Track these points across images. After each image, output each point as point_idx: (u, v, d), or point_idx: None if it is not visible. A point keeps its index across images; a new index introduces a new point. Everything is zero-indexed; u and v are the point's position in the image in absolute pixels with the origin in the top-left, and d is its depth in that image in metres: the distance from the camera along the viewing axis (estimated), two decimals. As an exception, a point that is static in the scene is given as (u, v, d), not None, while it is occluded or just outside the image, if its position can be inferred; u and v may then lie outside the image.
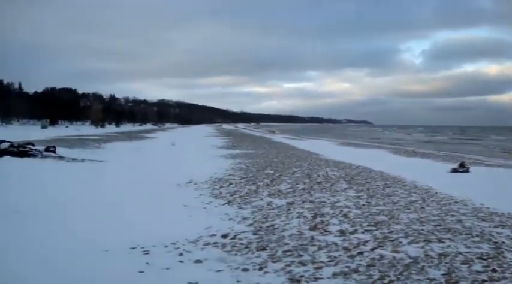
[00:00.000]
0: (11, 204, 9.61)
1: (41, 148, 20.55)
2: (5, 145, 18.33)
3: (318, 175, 14.15)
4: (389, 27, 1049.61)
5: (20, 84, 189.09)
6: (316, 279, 5.20)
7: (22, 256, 6.08)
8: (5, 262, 5.83)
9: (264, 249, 6.41)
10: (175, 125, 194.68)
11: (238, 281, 5.19)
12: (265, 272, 5.47)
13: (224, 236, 7.16)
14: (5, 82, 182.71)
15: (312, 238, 6.97)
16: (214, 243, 6.78)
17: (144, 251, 6.38)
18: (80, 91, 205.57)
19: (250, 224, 7.93)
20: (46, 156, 19.15)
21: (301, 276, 5.30)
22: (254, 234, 7.24)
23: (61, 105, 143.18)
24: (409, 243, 6.63)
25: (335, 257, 6.02)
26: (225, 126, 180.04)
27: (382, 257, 5.99)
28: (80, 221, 8.21)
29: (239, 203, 9.94)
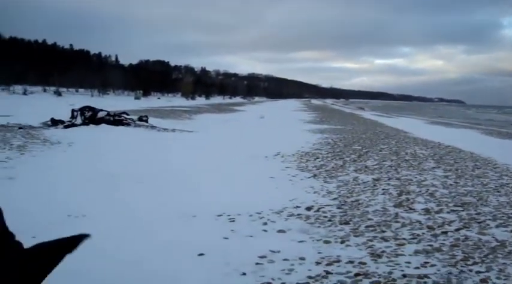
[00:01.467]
0: (107, 168, 10.20)
1: (135, 117, 21.43)
2: (102, 114, 19.25)
3: (406, 153, 13.90)
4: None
5: (116, 57, 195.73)
6: (397, 255, 5.19)
7: (119, 218, 6.47)
8: (106, 223, 6.23)
9: (347, 223, 6.46)
10: (264, 99, 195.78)
11: (319, 253, 5.26)
12: (347, 246, 5.52)
13: (308, 208, 7.26)
14: (103, 54, 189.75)
15: (396, 214, 6.93)
16: (298, 215, 6.89)
17: (230, 219, 6.60)
18: (172, 64, 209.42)
19: (335, 199, 7.97)
20: (139, 125, 19.96)
21: (383, 251, 5.31)
22: (338, 208, 7.28)
23: (154, 77, 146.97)
24: (496, 226, 6.44)
25: (418, 235, 5.97)
26: (314, 101, 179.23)
27: (467, 238, 5.87)
28: (170, 188, 8.60)
29: (325, 177, 9.99)
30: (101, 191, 8.21)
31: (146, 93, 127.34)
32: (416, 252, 5.28)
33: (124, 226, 6.12)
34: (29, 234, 2.36)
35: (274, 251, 5.23)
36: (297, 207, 7.36)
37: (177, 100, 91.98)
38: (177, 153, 13.34)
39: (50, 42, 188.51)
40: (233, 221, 6.51)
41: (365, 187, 8.90)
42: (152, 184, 8.89)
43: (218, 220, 6.56)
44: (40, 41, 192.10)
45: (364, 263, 4.92)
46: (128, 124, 19.39)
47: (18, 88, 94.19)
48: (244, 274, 4.64)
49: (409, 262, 4.94)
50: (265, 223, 6.42)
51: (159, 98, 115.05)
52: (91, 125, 18.11)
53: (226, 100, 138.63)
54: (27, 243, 2.24)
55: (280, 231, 6.08)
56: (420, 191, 8.58)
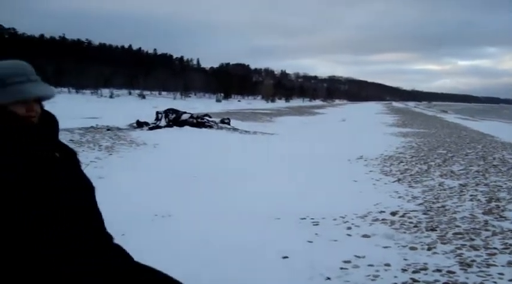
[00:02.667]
0: (190, 169, 10.42)
1: (217, 120, 21.75)
2: (185, 116, 19.67)
3: (494, 158, 13.35)
4: None
5: (198, 60, 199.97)
6: (488, 265, 4.98)
7: (203, 219, 6.59)
8: (191, 223, 6.37)
9: (433, 229, 6.27)
10: (344, 101, 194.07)
11: (405, 259, 5.14)
12: (434, 253, 5.35)
13: (393, 213, 7.11)
14: (185, 58, 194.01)
15: (486, 222, 6.66)
16: (383, 219, 6.77)
17: (314, 222, 6.58)
18: (252, 67, 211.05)
19: (420, 204, 7.77)
20: (221, 128, 20.26)
21: (473, 261, 5.11)
22: (424, 214, 7.09)
23: (234, 80, 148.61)
24: None
25: (511, 245, 5.72)
26: (395, 104, 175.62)
27: None
28: (254, 190, 8.68)
29: (409, 181, 9.76)
30: (185, 192, 8.41)
31: (227, 96, 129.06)
32: (510, 263, 5.05)
33: (207, 226, 6.22)
34: (118, 232, 2.42)
35: (359, 257, 5.16)
36: (382, 211, 7.23)
37: (257, 103, 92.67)
38: (259, 156, 13.44)
39: (135, 47, 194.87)
40: (317, 224, 6.47)
41: (451, 193, 8.62)
42: (234, 186, 9.00)
43: (302, 223, 6.55)
44: (126, 46, 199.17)
45: (453, 273, 4.76)
46: (211, 127, 19.72)
47: (105, 91, 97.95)
48: (328, 278, 4.60)
49: (502, 274, 4.73)
50: (349, 228, 6.35)
51: (239, 101, 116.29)
52: (175, 127, 18.54)
53: (306, 103, 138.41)
54: (116, 241, 2.30)
55: (364, 236, 5.99)
56: (511, 198, 8.22)
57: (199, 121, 19.68)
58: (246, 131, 20.43)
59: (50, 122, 1.89)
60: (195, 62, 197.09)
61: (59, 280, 1.62)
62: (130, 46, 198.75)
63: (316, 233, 6.04)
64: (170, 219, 6.63)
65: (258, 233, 5.97)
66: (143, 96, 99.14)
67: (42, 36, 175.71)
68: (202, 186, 8.89)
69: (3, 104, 1.72)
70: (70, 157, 1.98)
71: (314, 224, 6.48)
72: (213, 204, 7.51)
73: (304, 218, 6.75)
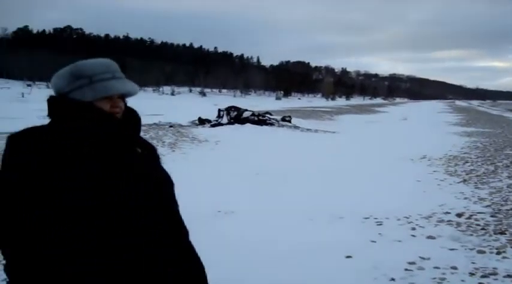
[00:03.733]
0: (252, 166, 10.48)
1: (278, 117, 21.77)
2: (247, 114, 19.78)
3: None
4: None
5: (258, 58, 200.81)
6: None
7: (265, 216, 6.62)
8: (253, 221, 6.42)
9: (502, 233, 6.08)
10: (405, 100, 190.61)
11: (473, 263, 5.01)
12: (504, 258, 5.18)
13: (459, 215, 6.93)
14: (245, 56, 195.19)
15: (559, 226, 6.41)
16: (448, 221, 6.61)
17: (377, 222, 6.50)
18: (312, 65, 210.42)
19: (488, 206, 7.54)
20: (282, 125, 20.27)
21: (546, 267, 4.93)
22: (492, 216, 6.88)
23: (294, 78, 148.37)
24: None
25: None
26: (458, 102, 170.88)
27: None
28: (316, 188, 8.66)
29: (475, 183, 9.49)
30: (248, 189, 8.48)
31: (286, 94, 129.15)
32: None
33: (271, 224, 6.25)
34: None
35: (424, 258, 5.06)
36: (447, 212, 7.06)
37: (317, 101, 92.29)
38: (321, 154, 13.39)
39: (196, 45, 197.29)
40: (380, 224, 6.39)
41: (521, 195, 8.33)
42: (297, 184, 9.00)
43: (365, 223, 6.48)
44: (187, 44, 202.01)
45: (525, 278, 4.61)
46: (272, 124, 19.75)
47: (167, 89, 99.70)
48: (393, 279, 4.54)
49: None
50: (413, 228, 6.24)
51: (299, 98, 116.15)
52: (236, 124, 18.64)
53: (367, 101, 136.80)
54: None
55: (429, 237, 5.87)
56: None
57: (260, 119, 19.75)
58: (307, 129, 20.37)
59: (133, 118, 1.93)
60: (255, 60, 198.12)
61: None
62: (191, 44, 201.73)
63: (380, 233, 5.96)
64: (233, 216, 6.69)
65: (321, 232, 5.95)
66: (204, 94, 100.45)
67: (107, 35, 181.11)
68: (264, 183, 8.93)
69: (90, 100, 1.78)
70: (151, 152, 2.01)
71: (377, 224, 6.40)
72: (275, 202, 7.53)
73: (368, 218, 6.67)
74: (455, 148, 14.96)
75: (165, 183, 1.94)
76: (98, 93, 1.78)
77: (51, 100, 1.83)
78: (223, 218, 6.58)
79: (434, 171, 10.78)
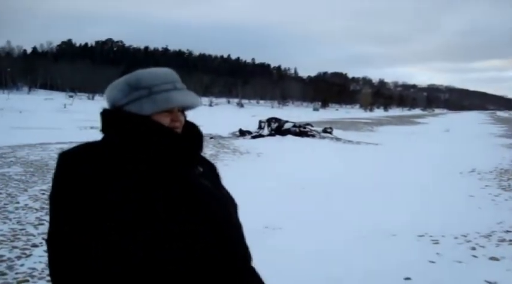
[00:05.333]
0: (296, 180, 10.23)
1: (319, 129, 21.51)
2: (288, 125, 19.59)
3: None
4: None
5: (295, 69, 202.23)
6: None
7: (313, 233, 6.36)
8: (302, 238, 6.17)
9: None
10: (445, 111, 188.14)
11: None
12: None
13: (521, 233, 6.55)
14: (282, 67, 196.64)
15: None
16: (510, 241, 6.23)
17: (433, 240, 6.15)
18: (349, 76, 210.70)
19: (552, 224, 7.12)
20: (323, 137, 20.01)
21: None
22: (556, 235, 6.48)
23: (331, 89, 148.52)
24: None
25: None
26: (500, 113, 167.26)
27: None
28: (365, 203, 8.34)
29: (533, 198, 9.04)
30: (294, 203, 8.22)
31: (324, 105, 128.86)
32: None
33: (322, 242, 5.97)
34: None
35: (490, 282, 4.72)
36: (508, 231, 6.65)
37: (355, 112, 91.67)
38: (365, 166, 13.06)
39: (233, 56, 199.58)
40: (437, 243, 6.05)
41: None
42: (344, 198, 8.71)
43: (420, 241, 6.15)
44: (225, 56, 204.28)
45: None
46: (313, 136, 19.51)
47: (205, 100, 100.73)
48: (459, 305, 4.22)
49: None
50: (473, 248, 5.87)
51: (337, 110, 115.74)
52: (277, 136, 18.49)
53: (405, 112, 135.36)
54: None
55: (492, 258, 5.50)
56: None
57: (302, 130, 19.53)
58: (349, 141, 20.04)
59: (194, 133, 1.73)
60: (292, 71, 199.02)
61: None
62: (229, 56, 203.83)
63: (438, 253, 5.62)
64: (282, 232, 6.45)
65: (375, 251, 5.65)
66: (241, 105, 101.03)
67: (146, 48, 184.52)
68: (310, 198, 8.65)
69: (149, 114, 1.59)
70: (211, 170, 1.83)
71: (434, 243, 6.06)
72: (324, 218, 7.25)
73: (423, 236, 6.33)
74: (505, 161, 14.41)
75: (227, 203, 1.73)
76: (158, 106, 1.59)
77: (105, 114, 1.65)
78: (272, 235, 6.34)
79: (487, 186, 10.32)
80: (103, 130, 1.64)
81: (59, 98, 78.14)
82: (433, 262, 5.33)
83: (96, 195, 1.46)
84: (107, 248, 1.46)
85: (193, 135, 1.72)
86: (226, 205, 1.70)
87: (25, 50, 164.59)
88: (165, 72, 1.69)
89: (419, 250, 5.74)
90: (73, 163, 1.52)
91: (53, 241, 1.50)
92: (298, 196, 8.79)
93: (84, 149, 1.57)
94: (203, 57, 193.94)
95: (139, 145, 1.55)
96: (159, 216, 1.48)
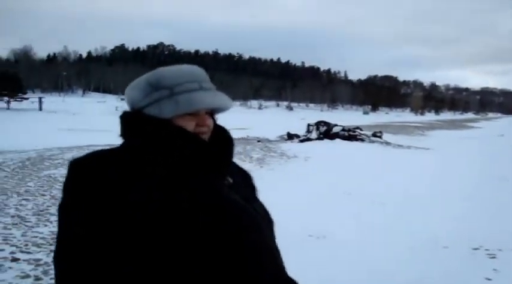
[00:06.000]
0: (343, 185, 9.91)
1: (368, 133, 21.08)
2: (336, 129, 19.28)
3: None
4: None
5: (345, 73, 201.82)
6: None
7: (360, 243, 6.07)
8: (347, 248, 5.89)
9: None
10: (499, 114, 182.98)
11: None
12: None
13: None
14: (332, 70, 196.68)
15: None
16: None
17: (489, 254, 5.75)
18: (400, 79, 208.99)
19: None
20: (373, 141, 19.58)
21: None
22: None
23: (381, 92, 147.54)
24: None
25: None
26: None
27: None
28: (413, 212, 7.96)
29: None
30: (339, 210, 7.92)
31: (374, 108, 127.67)
32: None
33: (369, 254, 5.68)
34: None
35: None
36: None
37: (405, 116, 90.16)
38: (415, 172, 12.59)
39: (283, 60, 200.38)
40: (494, 257, 5.65)
41: None
42: (394, 206, 8.34)
43: (475, 255, 5.76)
44: (275, 59, 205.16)
45: None
46: (362, 140, 19.13)
47: (254, 103, 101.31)
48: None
49: None
50: (535, 264, 5.46)
51: (387, 113, 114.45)
52: (325, 140, 18.24)
53: (457, 116, 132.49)
54: None
55: (558, 277, 5.09)
56: None
57: (351, 134, 19.20)
58: (399, 145, 19.55)
59: (224, 140, 1.51)
60: (342, 74, 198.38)
61: None
62: (278, 59, 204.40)
63: (495, 269, 5.23)
64: (325, 241, 6.17)
65: (426, 265, 5.31)
66: (291, 108, 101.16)
67: (197, 51, 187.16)
68: (358, 205, 8.30)
69: (170, 117, 1.39)
70: (246, 181, 1.60)
71: (490, 257, 5.66)
72: (371, 226, 6.93)
73: (477, 249, 5.94)
74: None
75: (259, 221, 1.48)
76: (180, 108, 1.37)
77: (124, 117, 1.45)
78: (315, 244, 6.07)
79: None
80: (122, 135, 1.45)
81: (111, 101, 79.96)
82: (489, 279, 4.96)
83: (117, 198, 1.29)
84: (127, 254, 1.28)
85: (222, 142, 1.50)
86: (258, 223, 1.46)
87: (80, 55, 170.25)
88: (191, 70, 1.47)
89: (474, 265, 5.36)
90: (88, 170, 1.34)
91: (66, 255, 1.31)
92: (344, 203, 8.48)
93: (99, 156, 1.39)
94: (253, 61, 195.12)
95: (160, 151, 1.36)
96: (183, 219, 1.29)
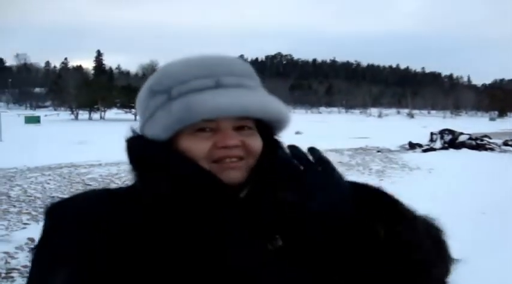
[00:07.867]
0: (477, 202, 8.91)
1: (498, 141, 19.59)
2: (463, 138, 18.11)
3: None
4: None
5: (468, 77, 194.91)
6: None
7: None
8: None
9: None
10: None
11: None
12: None
13: None
14: (454, 76, 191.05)
15: None
16: None
17: None
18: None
19: None
20: (504, 151, 18.11)
21: None
22: None
23: (509, 97, 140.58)
24: None
25: None
26: None
27: None
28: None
29: None
30: (472, 230, 7.00)
31: (501, 114, 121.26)
32: None
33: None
34: None
35: None
36: None
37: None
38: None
39: (402, 66, 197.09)
40: None
41: None
42: None
43: None
44: (394, 65, 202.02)
45: None
46: (492, 149, 17.77)
47: (374, 111, 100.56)
48: None
49: None
50: None
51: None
52: (451, 149, 17.14)
53: None
54: None
55: None
56: None
57: (478, 143, 17.89)
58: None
59: (273, 174, 0.91)
60: (465, 79, 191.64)
61: None
62: (397, 65, 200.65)
63: None
64: (465, 270, 5.38)
65: None
66: (411, 115, 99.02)
67: (314, 60, 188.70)
68: (494, 225, 7.35)
69: (165, 138, 0.89)
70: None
71: None
72: (508, 249, 6.05)
73: None
74: None
75: None
76: (174, 121, 0.87)
77: (126, 145, 0.96)
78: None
79: None
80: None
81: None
82: None
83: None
84: None
85: (267, 176, 0.92)
86: None
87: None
88: (202, 60, 0.93)
89: None
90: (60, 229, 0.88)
91: None
92: (478, 222, 7.55)
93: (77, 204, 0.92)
94: (371, 68, 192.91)
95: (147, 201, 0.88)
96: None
